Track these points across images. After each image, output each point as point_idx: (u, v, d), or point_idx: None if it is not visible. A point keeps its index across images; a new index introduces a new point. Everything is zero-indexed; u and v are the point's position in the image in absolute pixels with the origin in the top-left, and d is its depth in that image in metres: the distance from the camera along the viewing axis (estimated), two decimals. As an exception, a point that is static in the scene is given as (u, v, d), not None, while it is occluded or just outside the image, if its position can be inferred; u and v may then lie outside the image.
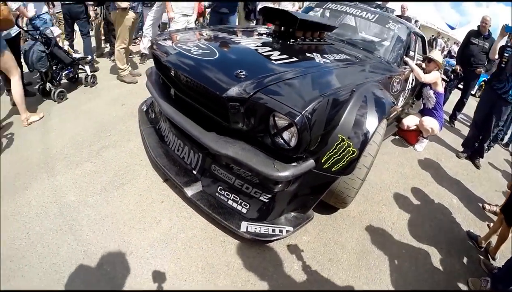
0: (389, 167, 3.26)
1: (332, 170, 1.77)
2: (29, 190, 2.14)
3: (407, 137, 3.90)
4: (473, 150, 3.99)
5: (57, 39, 3.47)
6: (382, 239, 2.27)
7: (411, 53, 3.60)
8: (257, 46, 2.17)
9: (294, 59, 2.05)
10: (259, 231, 1.83)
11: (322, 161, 1.77)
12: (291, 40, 2.45)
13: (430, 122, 3.58)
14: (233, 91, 1.63)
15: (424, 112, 3.74)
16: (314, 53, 2.29)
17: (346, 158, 1.75)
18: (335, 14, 3.38)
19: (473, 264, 2.32)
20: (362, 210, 2.49)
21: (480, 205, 3.07)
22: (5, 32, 2.85)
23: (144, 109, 2.69)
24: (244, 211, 1.89)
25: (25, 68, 3.36)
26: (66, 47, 3.72)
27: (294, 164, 1.72)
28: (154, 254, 1.80)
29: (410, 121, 3.69)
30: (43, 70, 3.32)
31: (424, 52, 3.91)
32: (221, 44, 2.22)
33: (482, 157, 3.91)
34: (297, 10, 5.77)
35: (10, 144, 2.63)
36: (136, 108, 2.93)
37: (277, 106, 1.56)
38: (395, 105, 2.21)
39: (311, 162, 1.77)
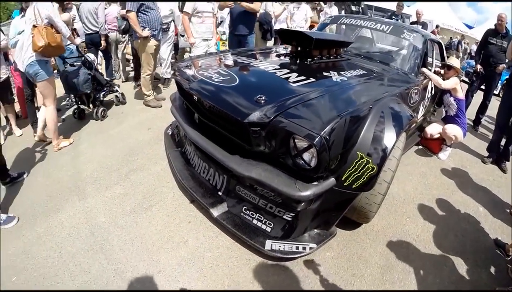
0: (413, 178, 3.25)
1: (353, 186, 1.83)
2: (61, 212, 2.31)
3: (430, 146, 3.86)
4: (498, 153, 3.91)
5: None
6: (407, 252, 2.27)
7: (429, 59, 3.62)
8: (275, 68, 2.28)
9: (312, 79, 2.15)
10: (283, 248, 1.90)
11: (343, 179, 1.83)
12: (308, 59, 2.55)
13: (453, 130, 3.56)
14: (254, 116, 1.73)
15: (446, 119, 3.72)
16: (331, 71, 2.37)
17: (366, 175, 1.80)
18: (350, 28, 3.45)
19: (500, 274, 2.26)
20: (386, 224, 2.51)
21: (508, 210, 3.00)
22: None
23: (170, 133, 2.84)
24: (268, 229, 1.97)
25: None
26: (100, 71, 4.07)
27: (315, 183, 1.79)
28: (182, 272, 1.90)
29: (433, 129, 3.68)
30: (88, 91, 3.64)
31: (442, 58, 3.90)
32: (240, 70, 2.35)
33: (508, 160, 3.80)
34: (310, 27, 5.87)
35: (43, 158, 2.84)
36: (162, 132, 3.09)
37: (296, 129, 1.64)
38: (413, 118, 2.24)
39: (331, 180, 1.83)
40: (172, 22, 4.84)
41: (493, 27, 4.62)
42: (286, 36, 2.87)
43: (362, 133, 1.87)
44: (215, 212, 2.06)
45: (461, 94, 3.53)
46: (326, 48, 2.71)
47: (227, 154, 1.96)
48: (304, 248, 1.92)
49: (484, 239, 2.58)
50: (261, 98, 1.81)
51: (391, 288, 1.99)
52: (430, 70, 3.42)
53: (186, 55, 5.92)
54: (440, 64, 3.72)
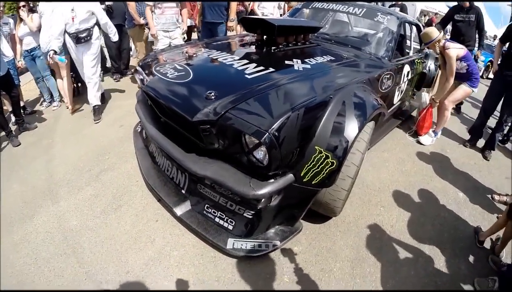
0: (389, 164, 3.09)
1: (313, 182, 1.69)
2: (35, 218, 2.24)
3: (418, 127, 3.66)
4: (480, 137, 3.74)
5: None
6: (379, 244, 2.15)
7: (407, 42, 3.41)
8: (234, 60, 2.10)
9: (271, 69, 1.97)
10: (246, 247, 1.81)
11: (301, 175, 1.69)
12: (273, 47, 2.37)
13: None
14: (202, 114, 1.59)
15: (462, 77, 3.40)
16: (294, 60, 2.19)
17: (326, 170, 1.66)
18: (322, 13, 3.23)
19: (480, 263, 2.14)
20: (358, 214, 2.37)
21: (489, 196, 2.84)
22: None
23: (139, 131, 2.70)
24: (230, 227, 1.86)
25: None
26: None
27: (272, 180, 1.66)
28: (149, 272, 1.83)
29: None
30: None
31: (421, 41, 3.67)
32: (197, 63, 2.18)
33: (494, 149, 3.59)
34: (282, 14, 5.56)
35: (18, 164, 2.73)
36: (133, 129, 2.94)
37: (244, 126, 1.50)
38: (380, 106, 2.07)
39: (290, 176, 1.70)
40: (96, 27, 3.57)
41: (457, 3, 4.34)
42: (249, 24, 2.68)
43: (320, 125, 1.71)
44: (179, 210, 1.97)
45: (462, 52, 3.23)
46: (292, 35, 2.52)
47: (184, 152, 1.82)
48: (267, 246, 1.82)
49: (463, 227, 2.44)
50: (211, 94, 1.66)
51: (361, 282, 1.88)
52: (408, 53, 3.23)
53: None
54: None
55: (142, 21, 3.99)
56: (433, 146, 3.62)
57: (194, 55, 2.33)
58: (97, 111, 3.70)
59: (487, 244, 2.28)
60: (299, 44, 2.58)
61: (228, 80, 1.91)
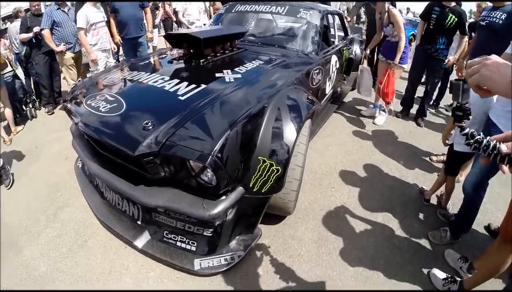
0: (332, 148, 3.21)
1: (262, 191, 1.70)
2: (1, 273, 2.00)
3: (383, 95, 3.58)
4: (411, 107, 4.02)
5: None
6: (337, 222, 2.26)
7: (332, 31, 3.50)
8: (165, 81, 1.99)
9: (203, 86, 1.90)
10: (213, 264, 1.78)
11: (250, 186, 1.69)
12: (201, 60, 2.29)
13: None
14: (144, 146, 1.49)
15: (392, 51, 3.43)
16: (224, 71, 2.14)
17: (272, 178, 1.68)
18: (245, 16, 3.18)
19: (430, 218, 2.33)
20: (312, 199, 2.46)
21: (427, 158, 3.09)
22: None
23: (80, 166, 2.50)
24: (193, 249, 1.81)
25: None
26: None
27: (224, 197, 1.64)
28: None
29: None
30: (22, 96, 4.21)
31: (344, 28, 3.80)
32: (128, 91, 2.04)
33: (425, 116, 3.89)
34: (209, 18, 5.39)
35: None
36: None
37: (187, 153, 1.45)
38: (314, 104, 2.11)
39: (240, 189, 1.69)
40: None
41: None
42: (174, 39, 2.55)
43: (260, 136, 1.71)
44: (139, 243, 1.87)
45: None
46: (219, 44, 2.46)
47: (131, 185, 1.72)
48: (232, 258, 1.81)
49: (409, 190, 2.62)
50: (148, 124, 1.57)
51: (328, 259, 1.96)
52: (333, 42, 3.31)
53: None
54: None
55: (58, 48, 3.89)
56: (369, 123, 3.82)
57: (124, 81, 2.16)
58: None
59: (433, 201, 2.49)
60: (227, 52, 2.52)
61: (162, 105, 1.81)
